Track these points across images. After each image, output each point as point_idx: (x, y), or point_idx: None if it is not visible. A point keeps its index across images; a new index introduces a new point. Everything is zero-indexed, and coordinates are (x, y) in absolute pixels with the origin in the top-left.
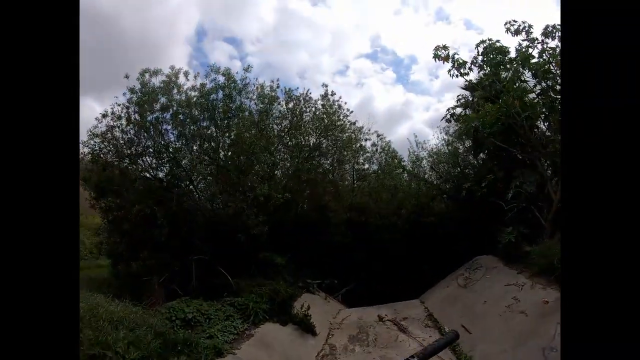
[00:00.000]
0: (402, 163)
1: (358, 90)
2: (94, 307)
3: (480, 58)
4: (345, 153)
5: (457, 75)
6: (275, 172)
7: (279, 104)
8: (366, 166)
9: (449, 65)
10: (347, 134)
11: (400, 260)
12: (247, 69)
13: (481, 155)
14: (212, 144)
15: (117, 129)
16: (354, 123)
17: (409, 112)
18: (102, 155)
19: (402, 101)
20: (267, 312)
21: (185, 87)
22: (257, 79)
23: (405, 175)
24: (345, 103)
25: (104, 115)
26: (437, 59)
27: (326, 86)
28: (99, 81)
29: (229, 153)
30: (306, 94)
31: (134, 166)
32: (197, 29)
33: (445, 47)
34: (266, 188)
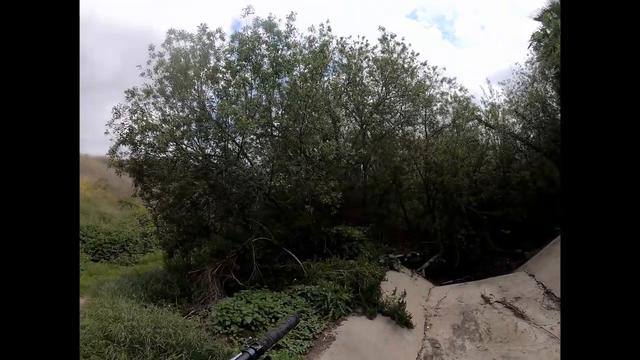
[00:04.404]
0: (476, 113)
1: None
2: (107, 322)
3: None
4: (417, 102)
5: None
6: (341, 129)
7: (332, 53)
8: (439, 118)
9: None
10: (417, 79)
11: (488, 225)
12: (290, 16)
13: None
14: (262, 100)
15: (151, 105)
16: (425, 63)
17: (459, 68)
18: (132, 136)
19: (451, 58)
20: (349, 304)
21: (221, 50)
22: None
23: (481, 127)
24: (410, 44)
25: (132, 93)
26: None
27: (383, 29)
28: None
29: (282, 111)
30: (362, 41)
31: (174, 144)
32: (232, 23)
33: None
34: (335, 144)
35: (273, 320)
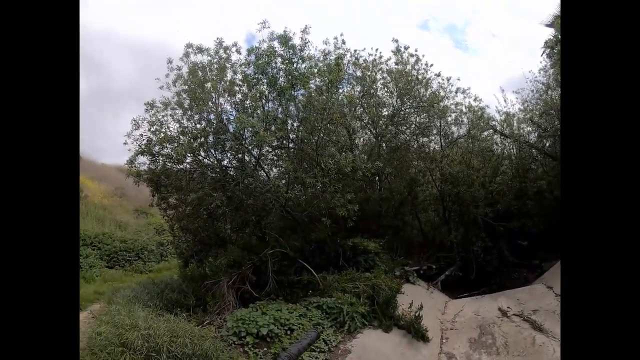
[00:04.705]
0: (491, 123)
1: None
2: (124, 330)
3: None
4: (431, 114)
5: None
6: (356, 141)
7: (346, 65)
8: (454, 128)
9: None
10: (431, 90)
11: (504, 236)
12: (305, 29)
13: None
14: (279, 112)
15: (170, 117)
16: (439, 74)
17: (472, 77)
18: (150, 147)
19: (463, 67)
20: (365, 316)
21: (238, 63)
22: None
23: (496, 137)
24: (424, 56)
25: (151, 105)
26: None
27: (397, 41)
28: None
29: (298, 124)
30: (376, 53)
31: (192, 156)
32: (246, 36)
33: None
34: (351, 157)
35: (289, 332)
